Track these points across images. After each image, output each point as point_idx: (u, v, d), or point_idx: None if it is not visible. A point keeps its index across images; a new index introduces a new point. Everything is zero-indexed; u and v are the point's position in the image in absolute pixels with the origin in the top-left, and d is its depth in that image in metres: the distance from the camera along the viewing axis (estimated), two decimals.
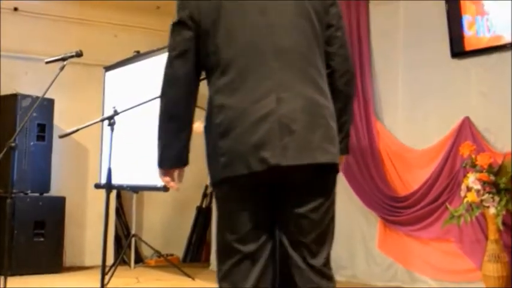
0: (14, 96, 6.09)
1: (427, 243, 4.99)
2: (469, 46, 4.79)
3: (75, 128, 4.17)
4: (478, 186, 4.22)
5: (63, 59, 4.02)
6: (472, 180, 4.27)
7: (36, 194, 6.15)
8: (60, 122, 6.28)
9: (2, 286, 4.29)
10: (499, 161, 4.40)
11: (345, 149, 2.28)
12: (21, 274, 5.57)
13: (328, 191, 2.13)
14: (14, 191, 5.74)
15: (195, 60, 2.14)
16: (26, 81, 6.43)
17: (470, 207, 4.30)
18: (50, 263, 6.02)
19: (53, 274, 5.91)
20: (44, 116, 6.21)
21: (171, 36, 2.18)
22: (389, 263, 5.29)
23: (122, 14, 7.01)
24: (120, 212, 7.20)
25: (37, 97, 5.47)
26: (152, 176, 5.93)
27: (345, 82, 2.24)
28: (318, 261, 2.10)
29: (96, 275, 4.82)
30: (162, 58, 6.04)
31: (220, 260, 2.13)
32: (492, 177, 4.26)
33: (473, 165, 4.37)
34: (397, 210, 5.18)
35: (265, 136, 1.99)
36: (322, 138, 2.05)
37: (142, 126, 6.10)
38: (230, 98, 2.05)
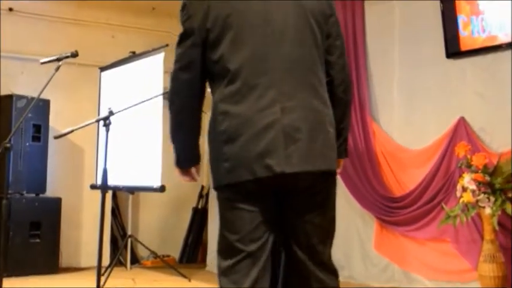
0: (9, 97, 6.08)
1: (423, 244, 4.99)
2: (464, 46, 4.80)
3: (70, 129, 4.15)
4: (473, 187, 4.23)
5: (58, 60, 4.00)
6: (467, 180, 4.27)
7: (32, 195, 6.14)
8: (56, 122, 6.27)
9: None
10: (495, 161, 4.40)
11: (343, 153, 2.43)
12: (17, 275, 5.55)
13: (329, 194, 2.27)
14: (10, 191, 5.73)
15: (200, 70, 2.23)
16: (21, 82, 6.42)
17: (466, 207, 4.31)
18: (46, 264, 6.01)
19: (49, 275, 5.90)
20: (39, 117, 6.20)
21: (177, 47, 2.25)
22: (385, 263, 5.29)
23: (117, 15, 7.01)
24: (116, 212, 7.20)
25: (32, 98, 5.47)
26: (148, 177, 5.97)
27: (343, 90, 2.36)
28: (324, 258, 2.26)
29: (92, 276, 4.80)
30: (158, 58, 6.09)
31: (222, 257, 2.20)
32: (487, 178, 4.27)
33: (469, 166, 4.37)
34: (393, 211, 5.19)
35: (270, 144, 2.09)
36: (323, 145, 2.17)
37: (138, 126, 6.10)
38: (236, 106, 2.13)
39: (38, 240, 5.99)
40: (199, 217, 7.44)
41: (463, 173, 4.40)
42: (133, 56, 6.53)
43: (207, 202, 7.23)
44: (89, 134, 6.06)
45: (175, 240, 7.37)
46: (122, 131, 5.76)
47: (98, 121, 4.50)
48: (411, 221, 5.03)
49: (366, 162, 5.39)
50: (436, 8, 4.94)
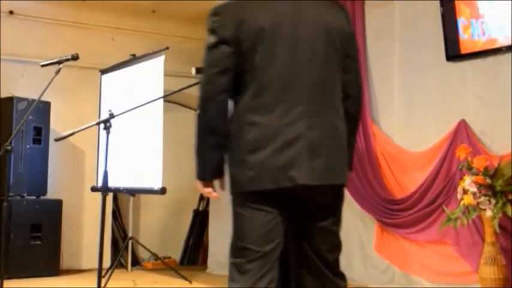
0: (9, 99, 6.08)
1: (423, 246, 4.99)
2: (464, 49, 4.80)
3: (71, 131, 4.15)
4: (474, 189, 4.22)
5: (58, 62, 4.02)
6: (468, 182, 4.27)
7: (33, 197, 6.14)
8: (57, 125, 6.28)
9: None
10: (495, 164, 4.40)
11: (349, 166, 2.55)
12: (18, 277, 5.57)
13: (340, 204, 2.53)
14: (11, 194, 5.74)
15: (232, 78, 2.28)
16: (21, 84, 6.42)
17: (467, 209, 4.30)
18: (46, 266, 6.02)
19: (50, 277, 5.92)
20: (40, 119, 6.21)
21: (210, 52, 2.29)
22: (386, 265, 5.29)
23: (117, 18, 7.01)
24: (117, 214, 7.20)
25: (33, 100, 5.48)
26: (149, 179, 5.98)
27: (356, 108, 2.53)
28: (336, 264, 2.52)
29: (93, 278, 4.80)
30: (158, 61, 6.09)
31: (234, 256, 2.29)
32: (488, 180, 4.27)
33: (470, 168, 4.37)
34: (393, 213, 5.18)
35: (295, 157, 2.22)
36: (340, 160, 2.37)
37: (139, 129, 6.11)
38: (265, 118, 2.24)
39: (38, 242, 6.00)
40: (200, 219, 7.45)
41: (464, 175, 4.39)
42: (134, 59, 6.53)
43: (207, 204, 7.23)
44: (89, 136, 6.06)
45: (176, 242, 7.38)
46: (122, 133, 5.76)
47: (98, 123, 4.50)
48: (412, 224, 5.02)
49: (366, 164, 5.39)
50: (436, 11, 4.94)
